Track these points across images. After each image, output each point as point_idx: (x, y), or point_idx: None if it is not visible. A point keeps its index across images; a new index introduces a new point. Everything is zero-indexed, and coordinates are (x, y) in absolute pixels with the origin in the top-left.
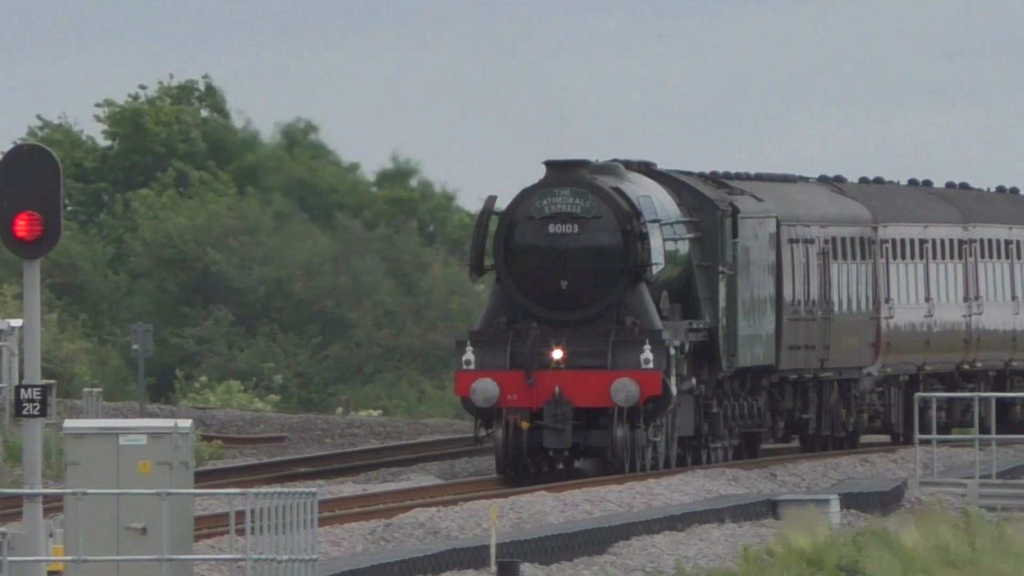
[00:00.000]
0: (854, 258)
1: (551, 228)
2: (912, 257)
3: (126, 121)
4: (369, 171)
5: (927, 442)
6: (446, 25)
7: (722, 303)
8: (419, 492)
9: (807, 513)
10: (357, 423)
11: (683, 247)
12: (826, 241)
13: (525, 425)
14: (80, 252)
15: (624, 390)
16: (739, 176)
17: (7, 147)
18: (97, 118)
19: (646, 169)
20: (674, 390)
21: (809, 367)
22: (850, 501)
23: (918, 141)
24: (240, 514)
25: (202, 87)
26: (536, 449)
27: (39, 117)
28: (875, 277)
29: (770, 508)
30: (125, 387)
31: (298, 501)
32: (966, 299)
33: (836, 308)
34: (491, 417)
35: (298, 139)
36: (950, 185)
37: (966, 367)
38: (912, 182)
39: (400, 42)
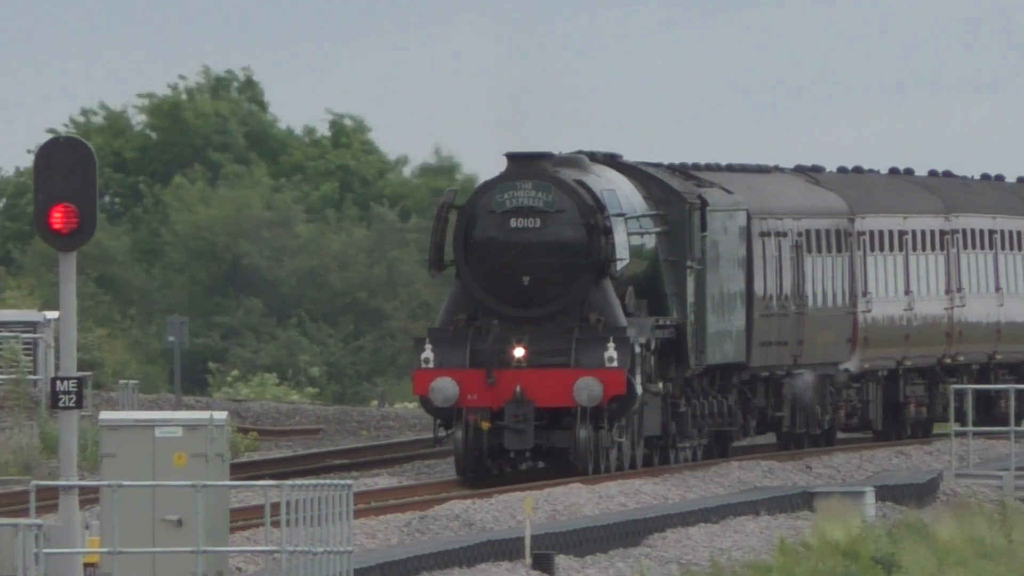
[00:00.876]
0: (829, 251)
1: (512, 222)
2: (891, 249)
3: (164, 113)
4: (413, 165)
5: (963, 434)
6: (479, 19)
7: (690, 299)
8: (454, 484)
9: (842, 505)
10: (392, 415)
11: (649, 241)
12: (799, 234)
13: (486, 426)
14: (114, 245)
15: (587, 389)
16: (709, 167)
17: (46, 137)
18: (137, 108)
19: (612, 161)
20: (639, 389)
21: (782, 363)
22: (885, 493)
23: (944, 132)
24: (275, 506)
25: (241, 79)
26: (497, 450)
27: (81, 108)
28: (852, 270)
29: (805, 500)
30: (153, 377)
31: (333, 493)
32: (948, 291)
33: (810, 303)
34: (450, 417)
35: (345, 132)
36: (932, 173)
37: (948, 361)
38: (893, 171)
39: (434, 37)
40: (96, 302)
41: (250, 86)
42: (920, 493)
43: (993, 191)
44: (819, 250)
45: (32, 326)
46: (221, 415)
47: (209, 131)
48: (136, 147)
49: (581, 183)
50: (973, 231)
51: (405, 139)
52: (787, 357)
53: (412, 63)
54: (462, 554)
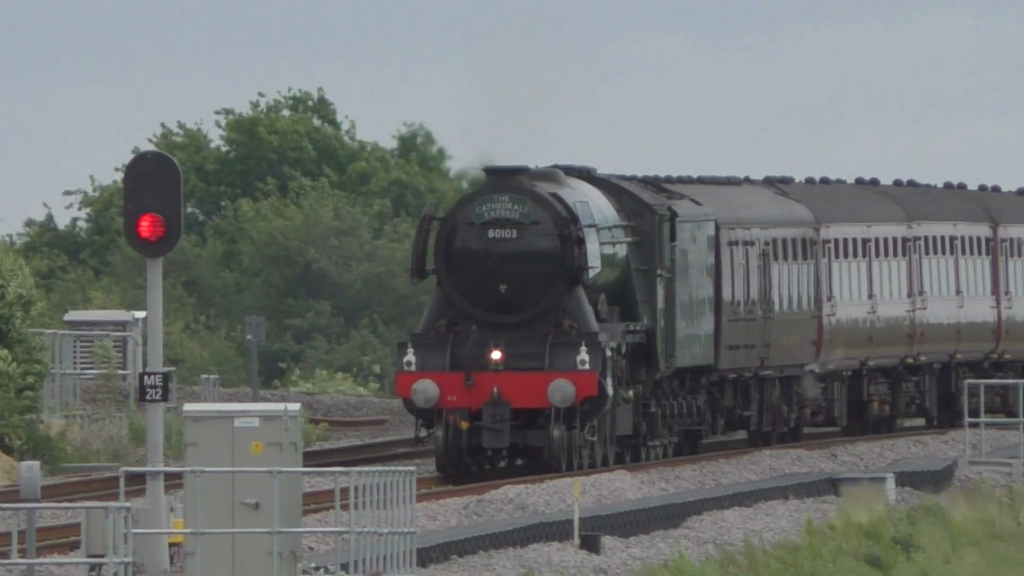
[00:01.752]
0: (795, 258)
1: (490, 233)
2: (855, 256)
3: (242, 129)
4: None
5: (975, 425)
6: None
7: (660, 305)
8: (509, 470)
9: (865, 490)
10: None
11: (621, 251)
12: (766, 243)
13: (465, 425)
14: (196, 252)
15: (561, 391)
16: (680, 180)
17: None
18: (217, 124)
19: (586, 175)
20: (610, 391)
21: (749, 366)
22: (904, 479)
23: (951, 147)
24: (344, 490)
25: (316, 98)
26: (475, 449)
27: (163, 125)
28: (817, 276)
29: (831, 486)
30: (233, 371)
31: (398, 478)
32: (910, 295)
33: (776, 307)
34: (432, 417)
35: (413, 147)
36: (897, 183)
37: (910, 361)
38: (859, 181)
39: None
40: (181, 304)
41: (323, 104)
42: (936, 479)
43: (954, 199)
44: (785, 258)
45: (121, 325)
46: (294, 407)
47: (284, 146)
48: (216, 160)
49: (555, 196)
50: (934, 237)
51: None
52: (754, 360)
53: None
54: (515, 535)
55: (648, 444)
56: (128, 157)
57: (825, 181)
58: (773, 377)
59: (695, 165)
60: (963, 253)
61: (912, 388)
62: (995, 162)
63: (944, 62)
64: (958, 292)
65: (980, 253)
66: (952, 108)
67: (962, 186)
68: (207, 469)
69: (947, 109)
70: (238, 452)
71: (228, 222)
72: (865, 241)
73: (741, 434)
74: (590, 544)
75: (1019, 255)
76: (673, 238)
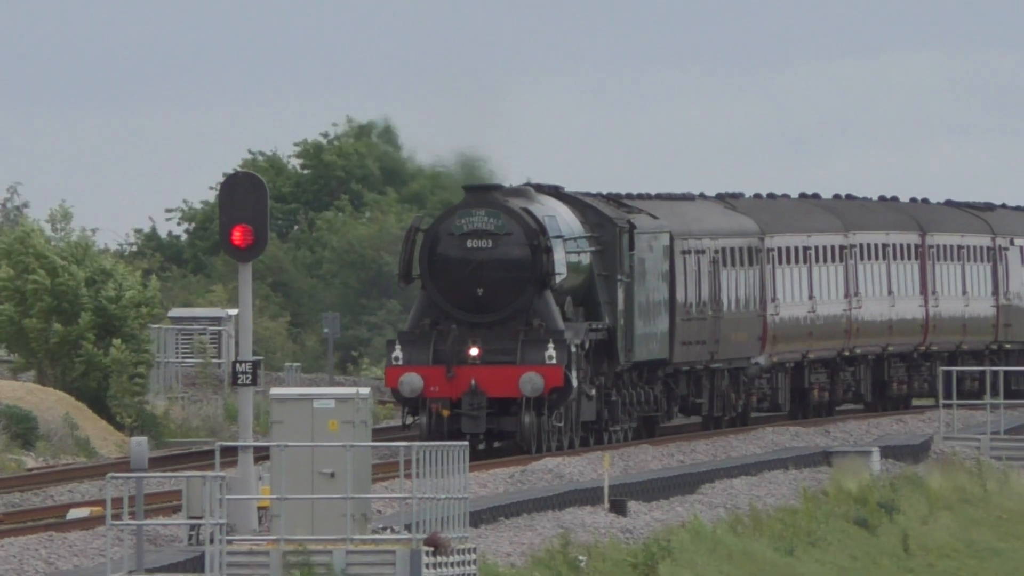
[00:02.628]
0: (743, 265)
1: (469, 243)
2: (796, 262)
3: (312, 155)
4: None
5: (949, 406)
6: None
7: (620, 306)
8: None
9: (854, 462)
10: None
11: (585, 259)
12: (716, 251)
13: (446, 413)
14: (283, 256)
15: (531, 382)
16: (641, 196)
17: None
18: (295, 155)
19: (555, 192)
20: (575, 382)
21: (701, 359)
22: (888, 452)
23: (938, 166)
24: (408, 462)
25: (381, 125)
26: (455, 433)
27: (249, 151)
28: (762, 280)
29: (824, 458)
30: (313, 359)
31: (453, 452)
32: (847, 295)
33: (725, 308)
34: (417, 406)
35: (474, 168)
36: (836, 197)
37: (847, 353)
38: (803, 195)
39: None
40: (270, 302)
41: (388, 131)
42: (915, 452)
43: (888, 211)
44: (733, 264)
45: (217, 320)
46: (365, 390)
47: (351, 167)
48: (292, 183)
49: (526, 210)
50: (869, 245)
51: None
52: (705, 354)
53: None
54: (554, 500)
55: (610, 429)
56: (218, 178)
57: (771, 196)
58: (723, 369)
59: (697, 182)
60: (895, 258)
61: (849, 377)
62: (974, 178)
63: (920, 93)
64: (890, 292)
65: (910, 258)
66: (929, 132)
67: (895, 199)
68: (290, 444)
69: (924, 132)
70: (317, 429)
71: (306, 235)
72: (806, 249)
73: (696, 419)
74: (618, 508)
75: (945, 259)
76: (632, 247)
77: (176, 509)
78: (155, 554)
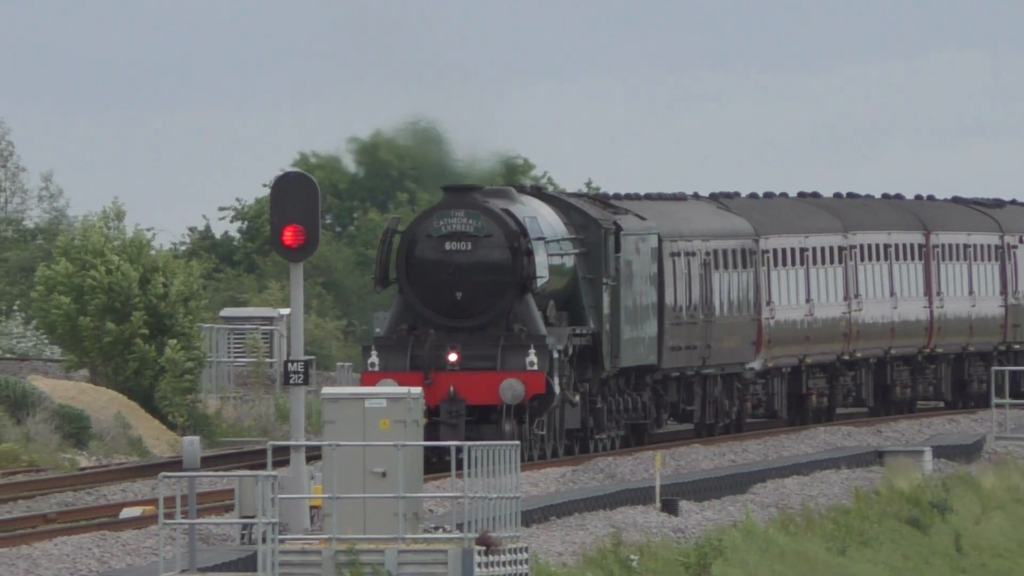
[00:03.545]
0: (736, 267)
1: (447, 245)
2: (793, 264)
3: (366, 152)
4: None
5: (1001, 405)
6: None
7: (606, 311)
8: (600, 443)
9: (906, 461)
10: None
11: (569, 261)
12: (708, 253)
13: (424, 421)
14: (333, 256)
15: (511, 389)
16: (628, 197)
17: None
18: (349, 151)
19: (538, 192)
20: (557, 389)
21: (691, 365)
22: (940, 452)
23: (974, 165)
24: (459, 461)
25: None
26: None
27: (300, 153)
28: (756, 283)
29: (877, 457)
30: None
31: (505, 451)
32: (846, 298)
33: (717, 312)
34: None
35: (517, 170)
36: (837, 195)
37: (846, 357)
38: (801, 194)
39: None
40: (322, 301)
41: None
42: (968, 452)
43: (890, 209)
44: (726, 267)
45: (269, 320)
46: (416, 390)
47: (404, 166)
48: (348, 180)
49: (507, 211)
50: (870, 245)
51: (567, 174)
52: (696, 359)
53: (568, 112)
54: (606, 499)
55: (595, 437)
56: (271, 177)
57: (768, 195)
58: (715, 375)
59: (749, 182)
60: (897, 259)
61: (849, 381)
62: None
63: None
64: (892, 294)
65: (913, 258)
66: (964, 131)
67: (899, 197)
68: (342, 443)
69: (960, 132)
70: (368, 428)
71: (361, 232)
72: (803, 250)
73: (688, 426)
74: (669, 507)
75: (950, 259)
76: (618, 249)
77: (228, 508)
78: (207, 553)
